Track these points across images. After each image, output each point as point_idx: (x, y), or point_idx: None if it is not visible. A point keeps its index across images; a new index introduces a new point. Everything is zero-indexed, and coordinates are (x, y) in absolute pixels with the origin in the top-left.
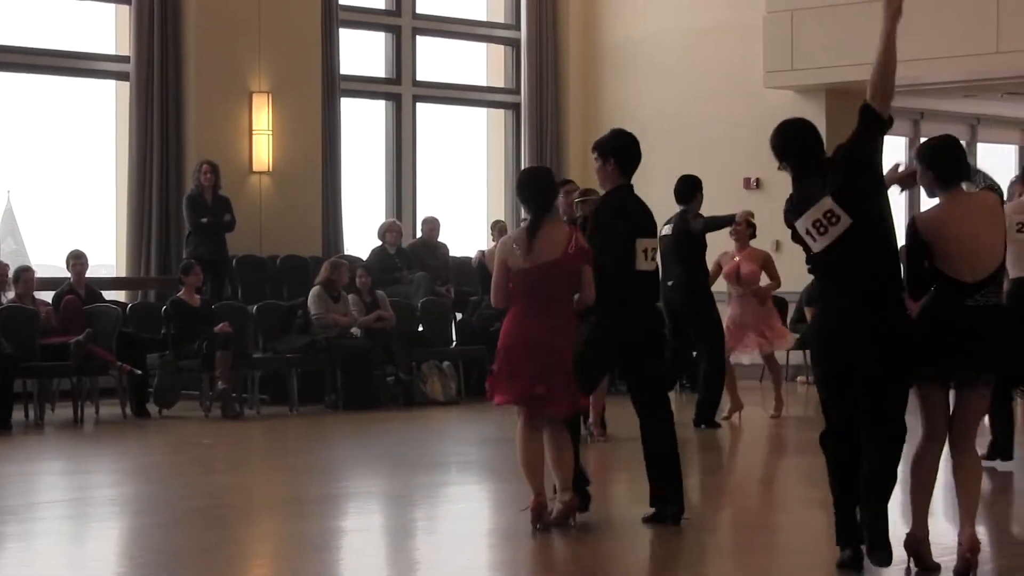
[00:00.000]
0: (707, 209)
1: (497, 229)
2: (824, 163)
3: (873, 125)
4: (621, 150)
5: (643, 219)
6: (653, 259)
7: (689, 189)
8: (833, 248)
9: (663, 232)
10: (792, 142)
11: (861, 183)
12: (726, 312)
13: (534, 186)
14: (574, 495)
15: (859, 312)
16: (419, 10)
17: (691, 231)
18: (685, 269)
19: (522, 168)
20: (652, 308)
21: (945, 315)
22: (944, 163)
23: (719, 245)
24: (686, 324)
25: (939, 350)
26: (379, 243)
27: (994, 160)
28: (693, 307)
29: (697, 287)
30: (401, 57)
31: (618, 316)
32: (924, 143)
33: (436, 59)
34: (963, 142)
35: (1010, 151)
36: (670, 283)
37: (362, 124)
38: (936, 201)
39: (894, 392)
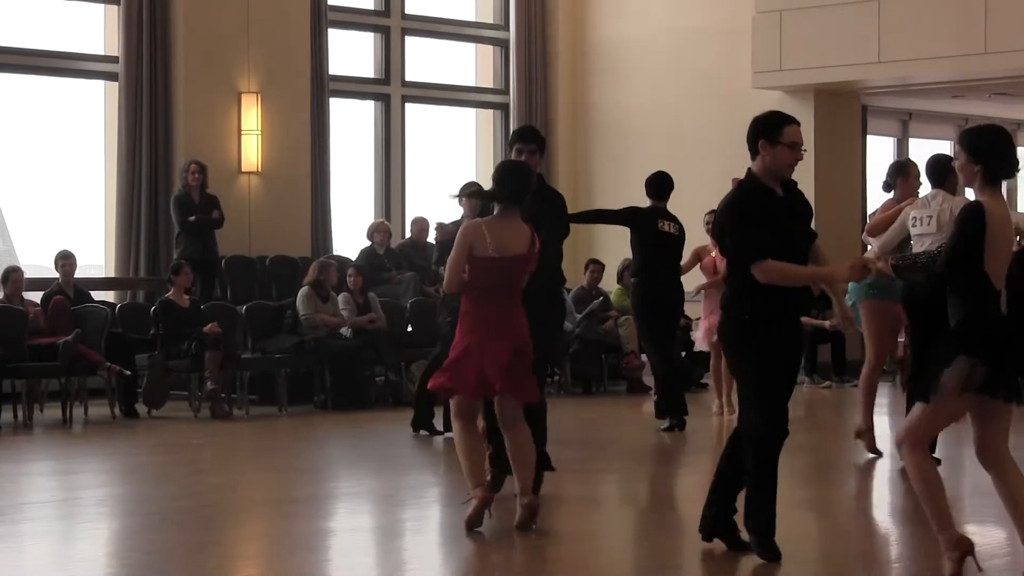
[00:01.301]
0: (695, 209)
1: None
2: None
3: None
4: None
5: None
6: None
7: (670, 185)
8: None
9: (667, 230)
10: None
11: None
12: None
13: (518, 176)
14: (535, 497)
15: None
16: (408, 10)
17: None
18: (676, 270)
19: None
20: None
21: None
22: (999, 157)
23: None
24: (670, 322)
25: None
26: (368, 243)
27: None
28: (681, 307)
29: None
30: (390, 57)
31: None
32: (973, 129)
33: (425, 59)
34: (950, 143)
35: None
36: (662, 281)
37: (351, 124)
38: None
39: None
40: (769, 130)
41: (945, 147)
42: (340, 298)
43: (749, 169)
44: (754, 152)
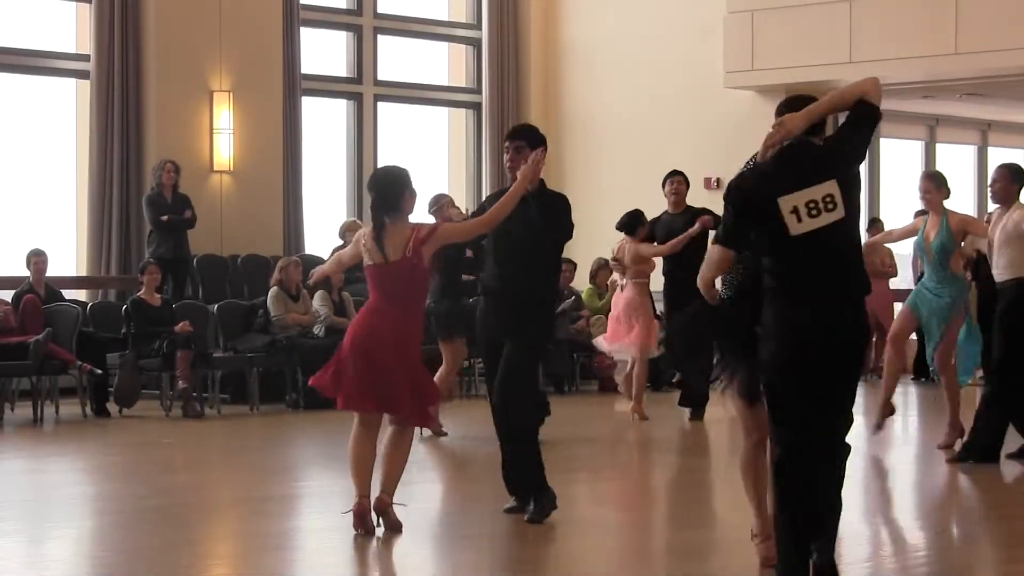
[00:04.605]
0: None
1: None
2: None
3: (870, 120)
4: None
5: None
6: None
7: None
8: (817, 234)
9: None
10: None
11: (856, 176)
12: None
13: (389, 185)
14: (386, 498)
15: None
16: (380, 9)
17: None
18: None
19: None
20: None
21: None
22: None
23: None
24: None
25: None
26: (340, 242)
27: (953, 161)
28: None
29: None
30: (362, 56)
31: None
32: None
33: (397, 58)
34: (921, 143)
35: (969, 152)
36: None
37: (323, 123)
38: None
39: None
40: None
41: (916, 147)
42: (317, 295)
43: None
44: None
